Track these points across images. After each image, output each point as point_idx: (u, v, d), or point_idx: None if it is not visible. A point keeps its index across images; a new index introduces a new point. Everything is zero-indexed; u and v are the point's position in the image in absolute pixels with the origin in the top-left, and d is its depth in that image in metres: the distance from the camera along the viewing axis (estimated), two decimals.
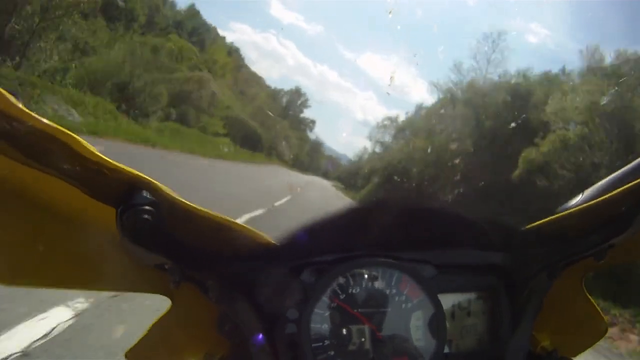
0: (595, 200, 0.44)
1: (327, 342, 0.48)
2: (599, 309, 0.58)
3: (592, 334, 0.59)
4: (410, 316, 0.49)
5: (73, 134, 0.34)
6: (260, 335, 0.48)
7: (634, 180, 0.42)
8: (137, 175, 0.37)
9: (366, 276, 0.50)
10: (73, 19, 14.18)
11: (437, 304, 0.49)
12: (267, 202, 8.61)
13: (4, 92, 0.31)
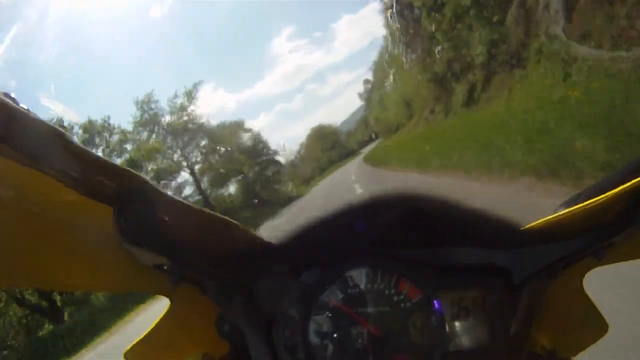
0: (594, 199, 0.44)
1: (326, 342, 0.48)
2: (599, 308, 0.57)
3: (592, 334, 0.59)
4: (410, 316, 0.49)
5: (70, 135, 0.33)
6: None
7: (633, 179, 0.42)
8: (134, 175, 0.37)
9: (365, 276, 0.50)
10: None
11: (437, 304, 0.49)
12: None
13: (0, 93, 0.31)
